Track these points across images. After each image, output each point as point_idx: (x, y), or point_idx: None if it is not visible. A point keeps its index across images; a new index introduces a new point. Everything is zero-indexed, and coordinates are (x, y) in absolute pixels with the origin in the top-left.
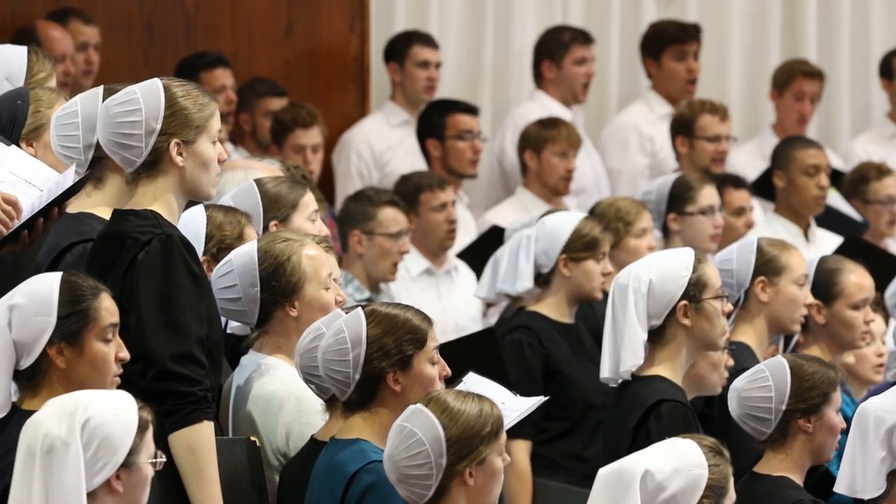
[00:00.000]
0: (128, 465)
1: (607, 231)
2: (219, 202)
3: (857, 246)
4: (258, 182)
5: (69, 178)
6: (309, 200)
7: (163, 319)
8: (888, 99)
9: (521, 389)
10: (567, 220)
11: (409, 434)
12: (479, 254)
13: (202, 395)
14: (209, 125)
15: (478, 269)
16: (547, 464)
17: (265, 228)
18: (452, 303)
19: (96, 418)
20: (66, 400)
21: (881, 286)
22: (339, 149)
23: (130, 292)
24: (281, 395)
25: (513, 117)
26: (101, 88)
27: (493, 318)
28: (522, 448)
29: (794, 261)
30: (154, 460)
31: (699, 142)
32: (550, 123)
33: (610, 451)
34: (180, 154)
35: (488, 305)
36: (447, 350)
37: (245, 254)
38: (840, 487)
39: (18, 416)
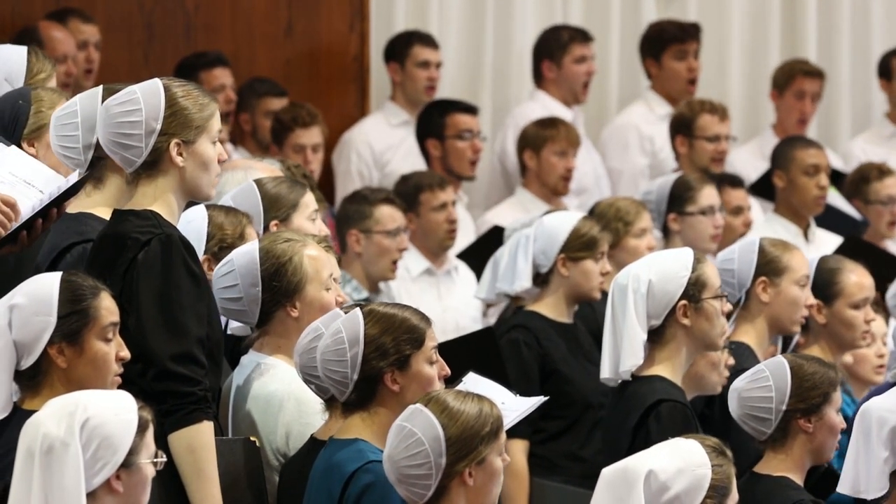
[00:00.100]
0: (128, 464)
1: (606, 231)
2: (219, 202)
3: (857, 246)
4: (258, 182)
5: (72, 181)
6: (309, 200)
7: (163, 319)
8: (887, 99)
9: (519, 389)
10: (565, 220)
11: (408, 434)
12: (480, 254)
13: (202, 395)
14: (209, 125)
15: (478, 270)
16: (544, 463)
17: (266, 228)
18: (453, 303)
19: (96, 418)
20: (66, 400)
21: (881, 286)
22: (339, 149)
23: (130, 292)
24: (281, 395)
25: (514, 117)
26: (100, 88)
27: (493, 319)
28: (519, 447)
29: (795, 262)
30: (155, 460)
31: (699, 141)
32: (549, 123)
33: (609, 451)
34: (180, 154)
35: (488, 306)
36: (446, 350)
37: (246, 253)
38: (843, 488)
39: (19, 416)
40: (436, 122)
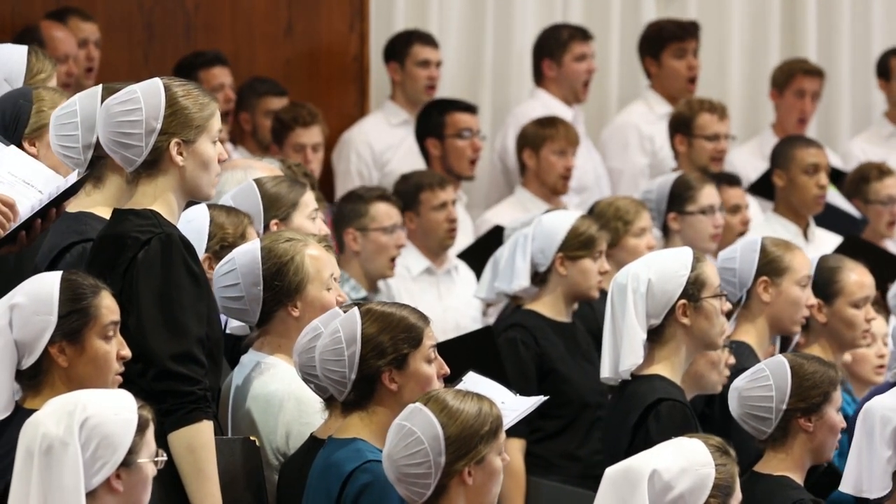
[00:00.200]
0: (128, 464)
1: (604, 230)
2: (219, 202)
3: (857, 245)
4: (258, 182)
5: (71, 181)
6: (309, 199)
7: (163, 319)
8: (886, 99)
9: (516, 387)
10: (564, 219)
11: (407, 433)
12: (480, 254)
13: (202, 394)
14: (209, 125)
15: (478, 270)
16: (541, 462)
17: (266, 228)
18: (453, 302)
19: (95, 417)
20: (66, 399)
21: (881, 286)
22: (339, 148)
23: (130, 292)
24: (281, 394)
25: (514, 116)
26: (99, 88)
27: (493, 318)
28: (516, 447)
29: (797, 262)
30: (156, 459)
31: (698, 140)
32: (548, 122)
33: (609, 451)
34: (180, 154)
35: (488, 305)
36: (445, 349)
37: (248, 253)
38: (846, 487)
39: (21, 415)
40: (435, 121)
